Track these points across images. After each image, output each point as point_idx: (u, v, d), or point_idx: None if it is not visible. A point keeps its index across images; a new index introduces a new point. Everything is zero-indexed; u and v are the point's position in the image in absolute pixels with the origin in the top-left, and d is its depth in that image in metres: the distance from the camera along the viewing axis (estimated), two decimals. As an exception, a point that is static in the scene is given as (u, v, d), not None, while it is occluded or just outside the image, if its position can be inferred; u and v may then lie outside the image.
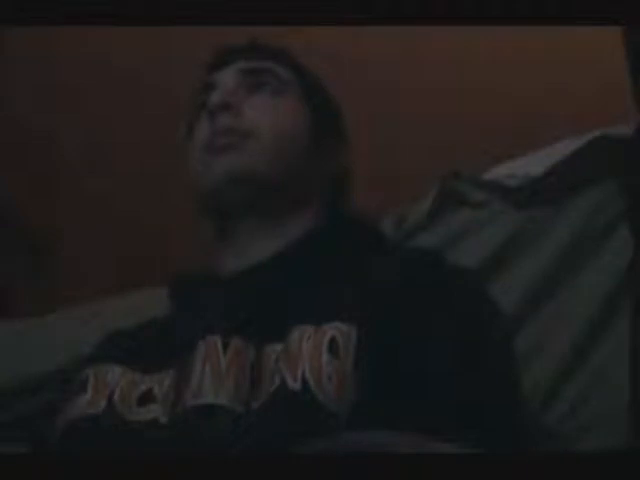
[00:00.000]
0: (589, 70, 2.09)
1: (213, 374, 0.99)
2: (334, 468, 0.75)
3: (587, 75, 2.10)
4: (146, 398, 1.03)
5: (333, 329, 0.99)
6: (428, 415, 0.93)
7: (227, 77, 1.21)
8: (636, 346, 1.17)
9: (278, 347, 1.00)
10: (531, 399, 1.12)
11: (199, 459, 0.84)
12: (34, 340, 1.39)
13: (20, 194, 2.28)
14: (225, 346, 1.01)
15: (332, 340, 0.98)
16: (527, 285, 1.27)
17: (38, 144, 2.31)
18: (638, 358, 1.16)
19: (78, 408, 1.05)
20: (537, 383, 1.19)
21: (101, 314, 1.39)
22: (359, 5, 1.30)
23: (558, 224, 1.30)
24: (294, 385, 0.96)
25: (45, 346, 1.37)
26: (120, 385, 1.06)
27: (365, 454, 0.76)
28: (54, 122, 2.29)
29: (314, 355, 0.97)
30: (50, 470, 0.82)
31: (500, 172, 1.37)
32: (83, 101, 2.27)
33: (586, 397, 1.20)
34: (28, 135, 2.30)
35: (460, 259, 1.23)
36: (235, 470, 0.78)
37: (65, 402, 1.09)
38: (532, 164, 1.34)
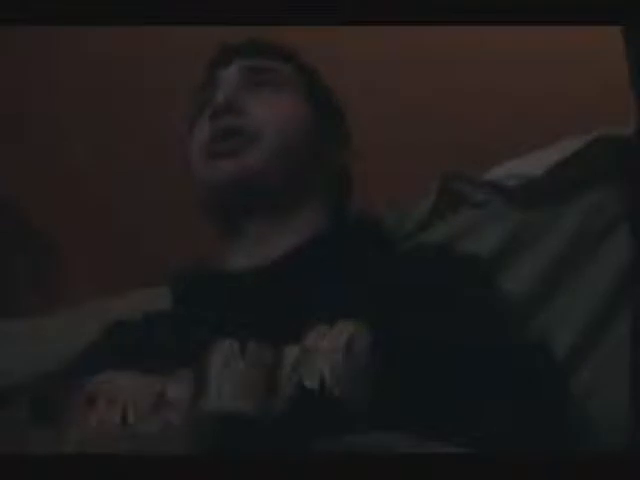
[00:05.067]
0: (589, 70, 2.09)
1: (231, 378, 0.98)
2: (334, 468, 0.75)
3: (587, 75, 2.10)
4: (159, 403, 1.00)
5: (348, 328, 0.98)
6: (443, 413, 0.92)
7: (229, 76, 1.21)
8: (636, 346, 1.17)
9: (295, 347, 0.98)
10: (535, 399, 1.12)
11: (208, 461, 0.84)
12: (35, 340, 1.39)
13: (20, 194, 2.28)
14: (242, 348, 0.99)
15: (349, 339, 0.97)
16: (527, 285, 1.27)
17: (39, 145, 2.31)
18: (638, 358, 1.16)
19: (89, 424, 1.02)
20: (540, 383, 1.19)
21: (103, 312, 1.39)
22: (359, 5, 1.30)
23: (558, 224, 1.30)
24: (313, 386, 0.95)
25: (47, 345, 1.37)
26: (131, 393, 1.02)
27: (365, 454, 0.76)
28: (54, 122, 2.29)
29: (331, 355, 0.96)
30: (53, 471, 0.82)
31: (500, 172, 1.37)
32: (84, 101, 2.27)
33: (587, 397, 1.20)
34: (29, 135, 2.30)
35: (460, 258, 1.23)
36: (241, 470, 0.78)
37: (74, 415, 1.05)
38: (532, 164, 1.34)
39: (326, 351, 0.96)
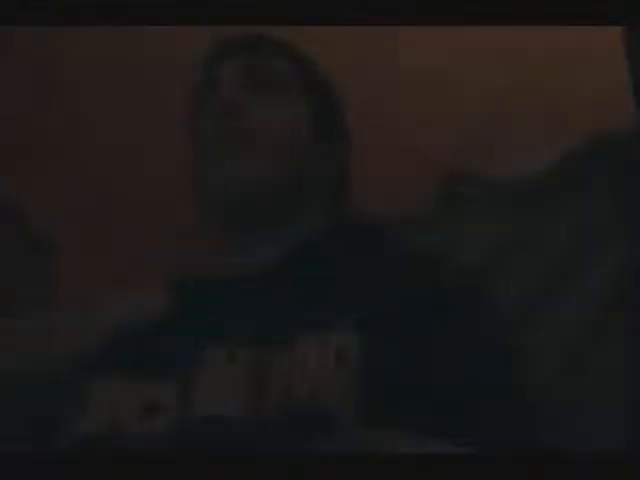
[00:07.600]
0: (589, 70, 2.09)
1: (219, 384, 0.98)
2: (334, 468, 0.75)
3: (587, 75, 2.10)
4: (150, 409, 1.01)
5: (339, 337, 0.98)
6: (432, 421, 0.92)
7: (230, 75, 1.20)
8: (635, 346, 1.17)
9: (284, 356, 0.99)
10: (531, 400, 1.12)
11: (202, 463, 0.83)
12: (34, 340, 1.39)
13: (20, 194, 2.28)
14: (231, 355, 1.00)
15: (339, 349, 0.97)
16: (527, 285, 1.27)
17: (39, 145, 2.31)
18: (637, 358, 1.16)
19: (81, 428, 1.03)
20: (537, 383, 1.19)
21: (102, 314, 1.39)
22: (359, 5, 1.30)
23: (558, 224, 1.30)
24: (301, 395, 0.95)
25: (45, 347, 1.37)
26: (123, 398, 1.03)
27: (365, 454, 0.76)
28: (55, 122, 2.29)
29: (321, 365, 0.96)
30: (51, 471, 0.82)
31: (500, 172, 1.37)
32: (83, 101, 2.27)
33: (585, 398, 1.20)
34: (28, 135, 2.30)
35: (460, 259, 1.23)
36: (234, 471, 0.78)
37: (67, 419, 1.06)
38: (532, 164, 1.34)
39: (316, 359, 0.96)
